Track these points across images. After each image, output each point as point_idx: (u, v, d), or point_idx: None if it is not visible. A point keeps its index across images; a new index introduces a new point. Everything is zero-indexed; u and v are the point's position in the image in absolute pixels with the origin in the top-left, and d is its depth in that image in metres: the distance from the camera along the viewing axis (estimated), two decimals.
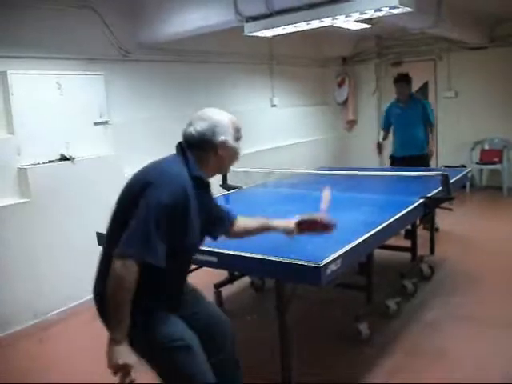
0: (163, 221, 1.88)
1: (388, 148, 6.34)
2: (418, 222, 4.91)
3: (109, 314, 1.89)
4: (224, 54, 6.42)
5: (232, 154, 2.17)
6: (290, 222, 2.52)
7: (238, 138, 2.18)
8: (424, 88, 8.58)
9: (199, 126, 2.09)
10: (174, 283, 2.19)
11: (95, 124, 4.79)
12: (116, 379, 1.89)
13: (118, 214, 2.06)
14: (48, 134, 4.38)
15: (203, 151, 2.10)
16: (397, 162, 6.00)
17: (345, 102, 9.11)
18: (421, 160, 5.76)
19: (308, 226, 2.51)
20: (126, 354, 1.87)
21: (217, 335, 2.33)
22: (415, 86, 8.08)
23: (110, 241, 2.01)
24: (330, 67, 9.04)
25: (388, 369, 3.19)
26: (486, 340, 3.47)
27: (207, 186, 2.20)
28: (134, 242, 1.86)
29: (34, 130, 4.28)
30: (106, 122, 4.87)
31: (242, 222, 2.52)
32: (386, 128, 6.26)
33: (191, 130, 2.10)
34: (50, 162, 4.38)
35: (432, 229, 5.16)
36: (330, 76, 9.09)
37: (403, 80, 5.98)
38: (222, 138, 2.09)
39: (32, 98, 4.28)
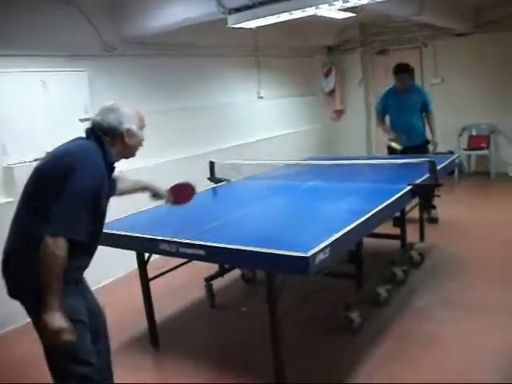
0: (88, 201, 2.11)
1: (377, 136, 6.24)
2: (418, 214, 4.96)
3: (46, 285, 2.02)
4: (209, 47, 6.37)
5: (137, 141, 2.41)
6: (163, 188, 2.94)
7: (141, 127, 2.43)
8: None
9: (107, 116, 2.29)
10: (86, 257, 2.34)
11: (81, 121, 4.75)
12: None
13: (35, 195, 2.18)
14: (33, 132, 4.35)
15: (111, 138, 2.30)
16: (395, 151, 5.70)
17: (332, 92, 9.09)
18: (420, 150, 5.55)
19: (177, 190, 2.85)
20: (61, 320, 2.05)
21: (99, 325, 2.49)
22: None
23: (20, 219, 2.21)
24: (316, 57, 9.02)
25: (380, 356, 3.20)
26: (477, 325, 3.48)
27: (114, 168, 2.42)
28: (63, 221, 2.06)
29: (19, 128, 4.25)
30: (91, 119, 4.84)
31: (121, 183, 2.76)
32: (382, 114, 6.01)
33: (99, 119, 2.29)
34: (36, 160, 4.33)
35: (424, 215, 5.18)
36: (317, 66, 9.06)
37: (403, 71, 5.72)
38: (127, 126, 2.31)
39: (16, 96, 4.25)
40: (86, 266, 2.37)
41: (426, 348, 3.24)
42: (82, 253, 2.23)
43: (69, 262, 2.07)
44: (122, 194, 2.78)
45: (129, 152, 2.43)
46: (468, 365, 3.03)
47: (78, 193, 2.08)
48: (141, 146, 2.47)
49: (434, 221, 5.84)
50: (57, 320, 2.02)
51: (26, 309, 2.21)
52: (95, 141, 2.27)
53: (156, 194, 2.96)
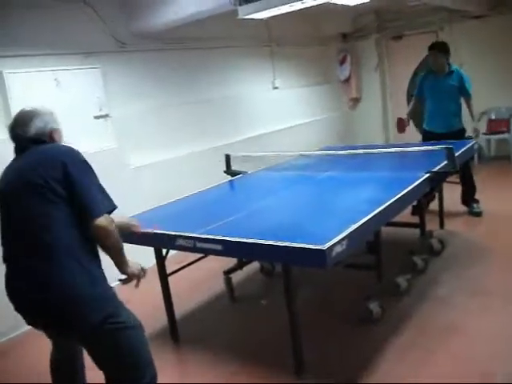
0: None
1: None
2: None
3: (117, 258, 2.26)
4: (222, 39, 6.34)
5: (60, 135, 2.43)
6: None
7: (58, 123, 2.44)
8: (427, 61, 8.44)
9: (31, 123, 2.30)
10: None
11: (95, 118, 4.78)
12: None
13: (36, 209, 2.15)
14: None
15: (43, 138, 2.32)
16: (430, 137, 5.47)
17: (347, 80, 8.99)
18: (455, 137, 5.23)
19: None
20: (137, 264, 2.40)
21: None
22: (417, 58, 8.00)
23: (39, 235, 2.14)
24: (331, 45, 8.92)
25: (400, 346, 3.17)
26: (499, 314, 3.43)
27: None
28: (100, 200, 2.17)
29: None
30: (106, 116, 4.87)
31: None
32: (419, 96, 5.72)
33: (26, 129, 2.30)
34: None
35: (441, 202, 5.11)
36: (331, 54, 8.97)
37: (435, 48, 5.41)
38: (51, 125, 2.36)
39: (30, 95, 4.25)
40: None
41: (447, 338, 3.21)
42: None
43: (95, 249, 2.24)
44: None
45: None
46: (487, 355, 2.98)
47: (89, 171, 2.23)
48: (62, 137, 2.48)
49: (476, 214, 5.55)
50: (134, 265, 2.36)
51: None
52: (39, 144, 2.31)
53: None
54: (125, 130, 5.07)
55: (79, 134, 4.56)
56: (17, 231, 2.20)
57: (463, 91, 5.42)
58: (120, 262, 2.29)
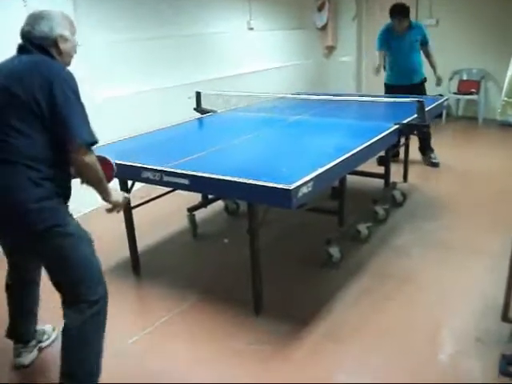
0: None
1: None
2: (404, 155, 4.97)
3: (98, 188, 2.27)
4: None
5: (71, 47, 2.27)
6: None
7: (73, 32, 2.29)
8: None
9: (37, 24, 2.17)
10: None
11: None
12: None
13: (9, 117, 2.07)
14: (12, 52, 4.19)
15: (47, 47, 2.18)
16: (393, 90, 5.62)
17: (324, 27, 8.87)
18: (419, 88, 5.55)
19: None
20: (120, 193, 2.48)
21: None
22: None
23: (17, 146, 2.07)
24: None
25: (356, 290, 3.28)
26: (453, 265, 3.56)
27: None
28: (86, 130, 2.10)
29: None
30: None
31: None
32: (382, 49, 5.79)
33: (29, 28, 2.18)
34: None
35: (406, 156, 5.19)
36: None
37: (401, 14, 5.47)
38: (59, 31, 2.19)
39: None
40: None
41: (402, 285, 3.32)
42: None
43: (67, 181, 2.24)
44: None
45: (65, 60, 2.27)
46: (438, 302, 3.11)
47: (77, 101, 2.09)
48: (75, 52, 2.33)
49: (434, 165, 5.80)
50: (117, 195, 2.40)
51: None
52: (42, 53, 2.17)
53: None
54: (95, 60, 4.90)
55: None
56: None
57: (423, 42, 5.65)
58: (102, 192, 2.29)
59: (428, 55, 5.74)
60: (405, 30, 5.57)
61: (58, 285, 2.25)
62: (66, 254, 2.17)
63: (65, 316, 2.25)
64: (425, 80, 5.78)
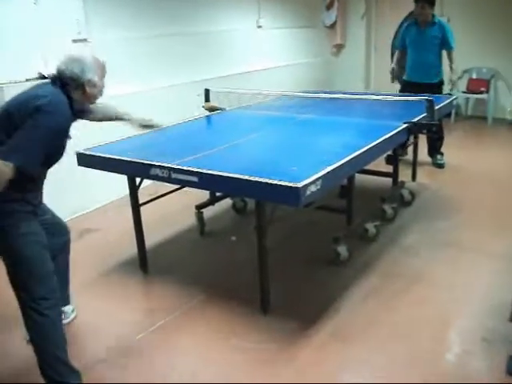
0: (46, 141, 2.21)
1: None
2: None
3: None
4: None
5: (97, 91, 2.46)
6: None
7: (102, 76, 2.48)
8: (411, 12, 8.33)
9: (71, 65, 2.35)
10: (38, 193, 2.48)
11: (74, 41, 4.62)
12: None
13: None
14: (24, 51, 4.21)
15: (73, 87, 2.37)
16: (409, 87, 5.58)
17: (333, 26, 8.85)
18: (434, 89, 5.41)
19: None
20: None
21: (54, 246, 2.65)
22: (405, 11, 7.87)
23: None
24: None
25: (364, 289, 3.27)
26: (462, 265, 3.55)
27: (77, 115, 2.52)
28: (19, 150, 2.14)
29: (8, 46, 4.11)
30: (85, 40, 4.71)
31: (102, 110, 2.98)
32: (401, 49, 5.80)
33: (64, 67, 2.36)
34: (27, 80, 4.23)
35: (415, 155, 5.17)
36: None
37: (426, 0, 5.34)
38: (89, 76, 2.37)
39: (5, 12, 4.08)
40: (40, 201, 2.52)
41: (410, 284, 3.31)
42: (33, 189, 2.40)
43: (24, 196, 2.31)
44: (101, 121, 2.99)
45: (88, 101, 2.50)
46: (446, 302, 3.10)
47: (40, 129, 2.17)
48: (101, 95, 2.52)
49: (439, 166, 5.78)
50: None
51: None
52: (61, 88, 2.34)
53: (143, 125, 3.28)
54: (103, 57, 4.89)
55: (56, 56, 4.44)
56: None
57: (445, 43, 5.48)
58: None
59: (449, 58, 5.57)
60: (427, 23, 5.47)
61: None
62: (16, 252, 2.31)
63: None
64: (442, 82, 5.67)
